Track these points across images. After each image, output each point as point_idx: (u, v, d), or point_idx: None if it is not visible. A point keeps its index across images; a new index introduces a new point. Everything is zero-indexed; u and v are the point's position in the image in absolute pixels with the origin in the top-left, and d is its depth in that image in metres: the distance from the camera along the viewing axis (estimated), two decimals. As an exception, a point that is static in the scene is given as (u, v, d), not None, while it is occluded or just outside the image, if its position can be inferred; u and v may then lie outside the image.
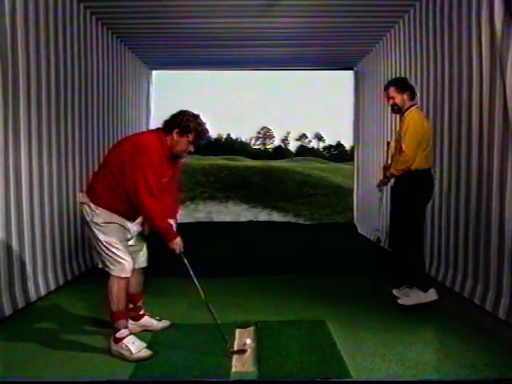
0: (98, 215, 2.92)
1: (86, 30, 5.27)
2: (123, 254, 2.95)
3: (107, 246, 2.93)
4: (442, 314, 3.65)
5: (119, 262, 2.93)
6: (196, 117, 3.01)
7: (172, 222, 3.09)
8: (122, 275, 2.94)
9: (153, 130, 3.14)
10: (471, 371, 2.64)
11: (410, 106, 3.75)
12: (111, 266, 2.94)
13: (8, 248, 3.65)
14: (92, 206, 2.92)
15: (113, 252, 2.93)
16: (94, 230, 2.94)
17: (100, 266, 3.09)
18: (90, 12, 5.35)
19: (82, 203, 2.99)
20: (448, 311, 3.71)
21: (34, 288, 4.01)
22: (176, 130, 2.94)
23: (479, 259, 3.83)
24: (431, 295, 3.69)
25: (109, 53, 6.07)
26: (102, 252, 2.95)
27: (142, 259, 3.29)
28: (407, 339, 3.11)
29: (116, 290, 2.94)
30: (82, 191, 3.35)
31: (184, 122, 2.94)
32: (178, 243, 2.99)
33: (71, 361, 2.82)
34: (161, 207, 2.91)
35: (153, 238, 3.18)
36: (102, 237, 2.93)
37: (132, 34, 6.28)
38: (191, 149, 3.04)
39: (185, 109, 3.07)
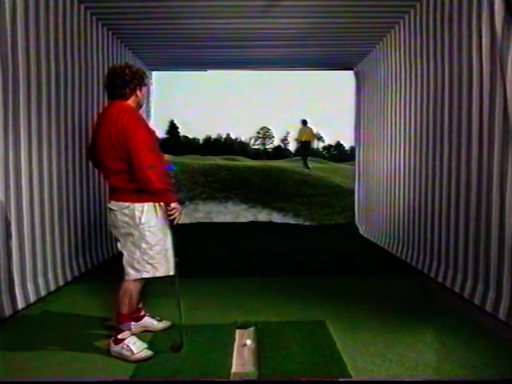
0: (147, 213, 2.80)
1: (87, 30, 5.28)
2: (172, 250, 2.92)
3: (158, 246, 2.84)
4: (442, 314, 3.65)
5: (167, 262, 2.89)
6: (130, 65, 3.11)
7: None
8: (171, 273, 2.93)
9: (117, 103, 3.02)
10: (471, 372, 2.64)
11: None
12: (158, 268, 2.86)
13: (8, 248, 3.64)
14: (137, 205, 2.78)
15: (163, 251, 2.86)
16: (145, 232, 2.79)
17: (134, 276, 2.85)
18: (91, 13, 5.35)
19: (121, 210, 2.81)
20: (448, 311, 3.71)
21: (34, 289, 4.01)
22: (138, 87, 3.01)
23: (479, 260, 3.83)
24: None
25: (109, 53, 6.07)
26: (146, 257, 2.81)
27: None
28: (407, 339, 3.11)
29: (133, 292, 2.91)
30: (109, 200, 2.94)
31: (137, 75, 3.01)
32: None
33: (71, 361, 2.82)
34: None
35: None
36: (151, 239, 2.81)
37: (132, 35, 6.28)
38: None
39: (114, 67, 3.18)
